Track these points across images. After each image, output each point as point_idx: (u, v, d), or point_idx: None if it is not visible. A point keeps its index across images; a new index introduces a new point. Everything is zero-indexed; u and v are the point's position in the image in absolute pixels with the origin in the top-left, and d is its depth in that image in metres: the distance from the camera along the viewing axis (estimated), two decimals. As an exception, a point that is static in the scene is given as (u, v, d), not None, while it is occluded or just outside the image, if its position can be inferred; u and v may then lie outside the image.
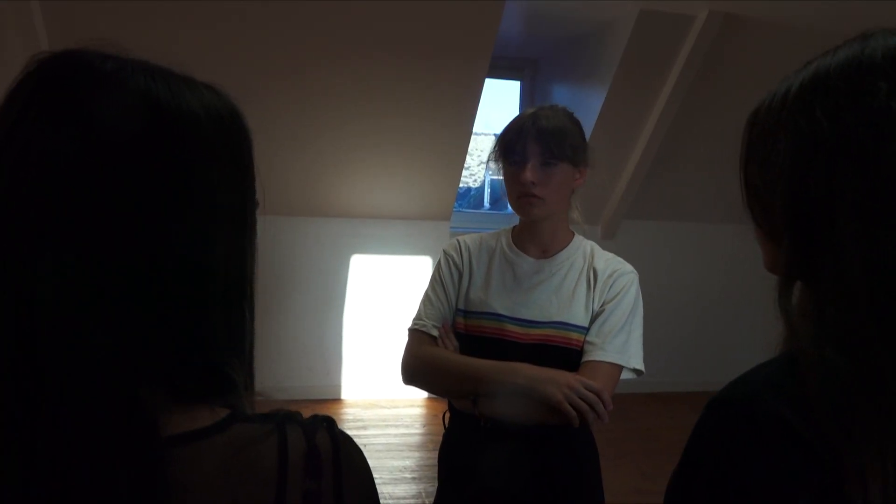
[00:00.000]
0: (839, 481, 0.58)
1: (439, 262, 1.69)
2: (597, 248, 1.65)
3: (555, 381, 1.43)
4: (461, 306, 1.64)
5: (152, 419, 0.57)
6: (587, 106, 4.76)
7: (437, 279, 1.67)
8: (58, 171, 0.56)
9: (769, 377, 0.65)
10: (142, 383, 0.57)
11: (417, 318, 1.65)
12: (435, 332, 1.61)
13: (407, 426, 4.59)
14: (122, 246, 0.57)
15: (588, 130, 4.62)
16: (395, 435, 4.42)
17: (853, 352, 0.60)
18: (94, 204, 0.56)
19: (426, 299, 1.66)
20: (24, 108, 0.58)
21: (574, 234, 1.66)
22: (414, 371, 1.61)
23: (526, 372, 1.46)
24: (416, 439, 4.40)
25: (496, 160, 1.62)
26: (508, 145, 1.56)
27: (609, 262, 1.61)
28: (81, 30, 3.46)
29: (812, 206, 0.65)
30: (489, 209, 6.83)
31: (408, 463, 4.00)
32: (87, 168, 0.56)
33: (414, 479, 3.78)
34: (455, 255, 1.67)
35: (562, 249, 1.62)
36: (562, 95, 5.25)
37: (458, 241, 1.70)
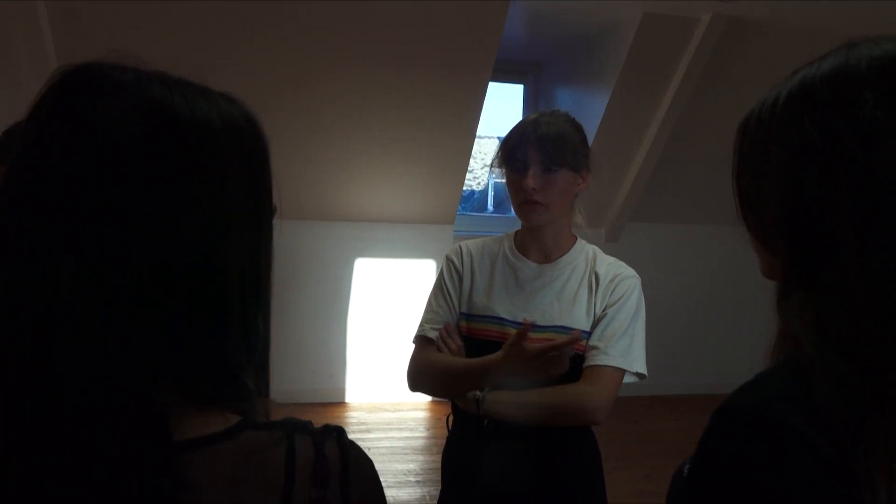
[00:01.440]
0: (850, 487, 0.58)
1: (441, 268, 1.71)
2: (599, 252, 1.66)
3: (534, 352, 1.42)
4: (464, 310, 1.65)
5: (165, 424, 0.58)
6: (591, 109, 4.76)
7: (438, 285, 1.69)
8: (77, 178, 0.58)
9: (778, 385, 0.65)
10: (156, 386, 0.58)
11: (420, 324, 1.67)
12: (432, 335, 1.63)
13: (411, 429, 4.59)
14: (139, 250, 0.58)
15: (592, 133, 4.66)
16: (399, 438, 4.42)
17: (857, 358, 0.61)
18: (110, 209, 0.58)
19: (428, 305, 1.69)
20: (47, 120, 0.60)
21: (576, 239, 1.67)
22: (414, 378, 1.64)
23: (512, 359, 1.45)
24: (420, 443, 4.40)
25: (499, 166, 1.63)
26: (510, 152, 1.57)
27: (611, 267, 1.61)
28: (86, 30, 3.48)
29: (808, 216, 0.66)
30: (493, 212, 6.83)
31: (412, 466, 4.00)
32: (105, 175, 0.58)
33: (418, 482, 3.78)
34: (456, 260, 1.69)
35: (564, 254, 1.63)
36: (565, 99, 5.25)
37: (460, 246, 1.72)
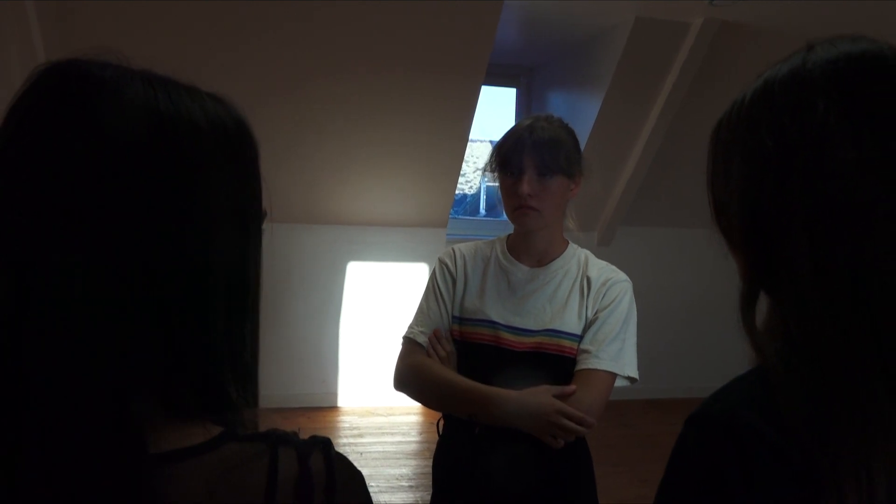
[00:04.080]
0: (817, 493, 0.59)
1: (434, 271, 1.70)
2: (591, 256, 1.66)
3: (534, 416, 1.45)
4: (456, 313, 1.65)
5: (141, 435, 0.55)
6: (583, 113, 4.77)
7: (430, 288, 1.69)
8: (55, 179, 0.55)
9: (746, 391, 0.66)
10: (134, 396, 0.56)
11: (410, 326, 1.67)
12: (421, 339, 1.62)
13: (403, 434, 4.57)
14: (119, 251, 0.56)
15: (584, 137, 4.67)
16: (392, 443, 4.40)
17: (819, 363, 0.61)
18: (90, 210, 0.55)
19: (419, 308, 1.68)
20: (25, 118, 0.58)
21: (568, 243, 1.67)
22: (399, 379, 1.64)
23: (506, 405, 1.46)
24: (412, 447, 4.38)
25: (492, 171, 1.62)
26: (505, 157, 1.57)
27: (603, 271, 1.62)
28: (76, 31, 3.46)
29: (765, 222, 0.66)
30: (485, 216, 6.83)
31: (404, 471, 3.98)
32: (85, 176, 0.56)
33: (410, 487, 3.76)
34: (449, 263, 1.69)
35: (556, 258, 1.63)
36: (558, 103, 5.26)
37: (453, 249, 1.72)
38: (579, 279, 1.60)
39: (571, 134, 1.62)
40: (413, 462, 4.14)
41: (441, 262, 1.70)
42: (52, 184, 0.55)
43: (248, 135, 0.66)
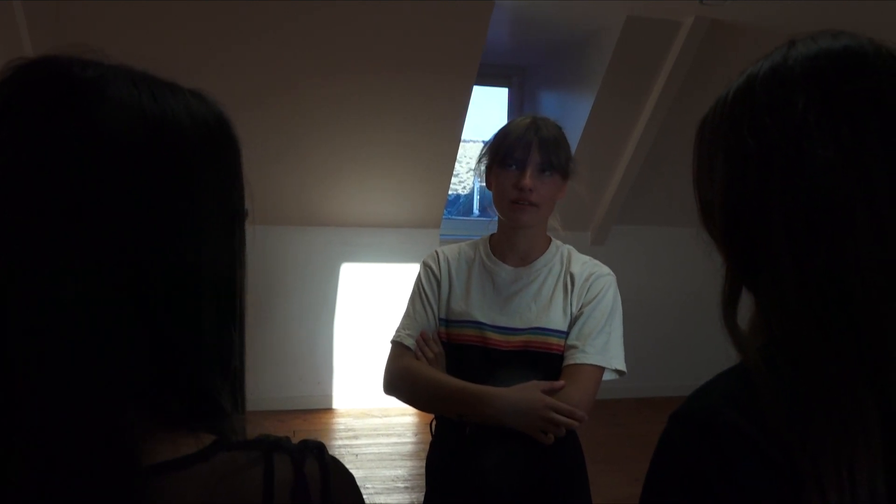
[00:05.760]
0: (799, 491, 0.59)
1: (419, 275, 1.71)
2: (574, 251, 1.67)
3: (523, 413, 1.46)
4: (443, 316, 1.66)
5: (134, 447, 0.54)
6: (575, 112, 4.77)
7: (416, 292, 1.70)
8: (35, 180, 0.54)
9: (727, 389, 0.66)
10: (126, 406, 0.55)
11: (397, 330, 1.67)
12: (409, 343, 1.63)
13: (399, 435, 4.57)
14: (105, 255, 0.54)
15: (576, 137, 4.68)
16: (387, 444, 4.40)
17: (800, 361, 0.62)
18: (73, 212, 0.54)
19: (406, 312, 1.69)
20: (2, 117, 0.56)
21: (551, 240, 1.68)
22: (389, 382, 1.65)
23: (496, 403, 1.47)
24: (408, 448, 4.38)
25: (489, 164, 1.63)
26: (508, 150, 1.58)
27: (586, 266, 1.63)
28: (64, 31, 3.44)
29: (747, 220, 0.66)
30: (478, 216, 6.83)
31: (400, 472, 3.98)
32: (66, 177, 0.54)
33: (406, 488, 3.76)
34: (434, 266, 1.70)
35: (539, 256, 1.64)
36: (550, 102, 5.26)
37: (436, 252, 1.73)
38: (563, 275, 1.62)
39: (565, 136, 1.65)
40: (409, 463, 4.13)
41: (425, 265, 1.71)
42: (33, 185, 0.53)
43: (230, 133, 0.64)
